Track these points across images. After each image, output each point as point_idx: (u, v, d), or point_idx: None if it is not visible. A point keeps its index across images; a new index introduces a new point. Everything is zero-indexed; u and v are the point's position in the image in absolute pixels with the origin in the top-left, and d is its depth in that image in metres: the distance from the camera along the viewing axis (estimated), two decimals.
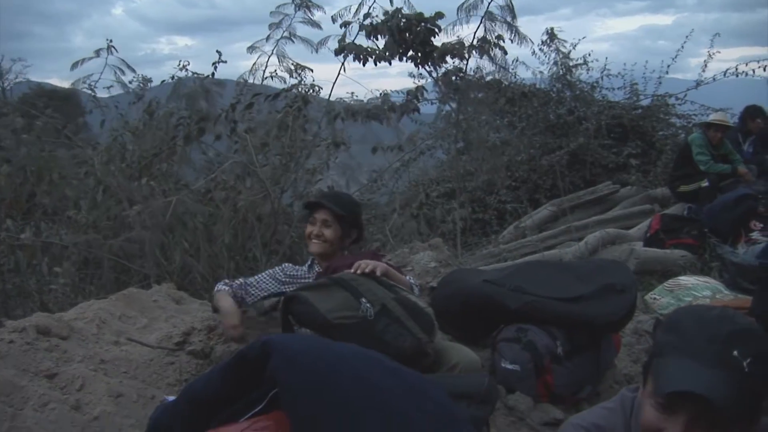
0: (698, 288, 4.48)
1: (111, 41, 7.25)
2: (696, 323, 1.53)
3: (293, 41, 7.87)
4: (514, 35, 7.73)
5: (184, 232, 5.38)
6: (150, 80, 8.21)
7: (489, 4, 7.41)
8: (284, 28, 7.78)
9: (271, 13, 7.83)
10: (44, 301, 5.16)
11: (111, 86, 7.81)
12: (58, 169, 6.04)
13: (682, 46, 11.94)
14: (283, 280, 3.51)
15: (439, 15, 8.01)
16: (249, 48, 7.96)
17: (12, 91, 8.85)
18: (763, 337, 1.54)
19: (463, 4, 7.59)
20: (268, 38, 7.83)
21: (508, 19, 7.60)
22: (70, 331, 3.26)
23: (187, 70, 7.68)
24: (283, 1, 7.75)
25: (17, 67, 8.11)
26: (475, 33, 7.64)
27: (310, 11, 7.78)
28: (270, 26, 7.83)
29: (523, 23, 7.80)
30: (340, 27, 7.76)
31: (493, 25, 7.58)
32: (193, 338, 3.46)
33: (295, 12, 7.66)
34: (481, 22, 7.54)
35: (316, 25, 7.89)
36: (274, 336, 1.50)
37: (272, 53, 7.79)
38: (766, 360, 1.49)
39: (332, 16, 7.93)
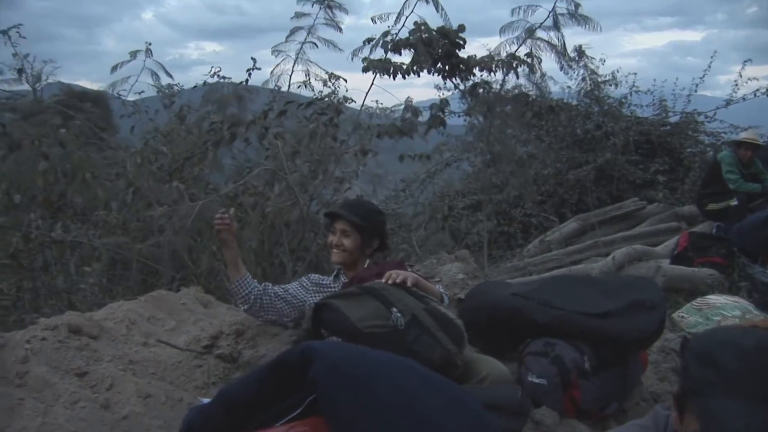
0: (727, 307, 4.43)
1: (150, 44, 7.34)
2: (736, 357, 1.48)
3: (317, 46, 7.89)
4: (560, 57, 7.72)
5: (212, 235, 5.42)
6: (181, 86, 8.31)
7: (539, 26, 7.42)
8: (306, 30, 7.77)
9: (296, 13, 7.81)
10: (72, 300, 5.22)
11: (142, 92, 7.90)
12: (91, 169, 6.10)
13: (710, 66, 11.87)
14: (311, 289, 3.54)
15: (461, 28, 8.02)
16: (273, 50, 7.94)
17: (42, 92, 8.96)
18: None
19: (511, 24, 7.60)
20: (287, 39, 7.80)
21: (554, 37, 7.60)
22: (101, 330, 3.30)
23: (218, 76, 7.75)
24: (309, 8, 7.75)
25: (48, 69, 8.24)
26: (515, 52, 7.64)
27: (332, 11, 7.75)
28: (291, 30, 7.82)
29: (562, 40, 7.79)
30: (363, 43, 7.77)
31: (538, 44, 7.59)
32: (221, 342, 3.48)
33: (318, 12, 7.63)
34: (522, 42, 7.54)
35: (337, 26, 7.87)
36: (314, 342, 1.51)
37: (297, 58, 7.80)
38: None
39: (372, 18, 7.94)
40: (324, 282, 3.60)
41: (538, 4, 7.52)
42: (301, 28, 7.70)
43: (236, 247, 3.53)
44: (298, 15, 7.73)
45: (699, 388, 1.50)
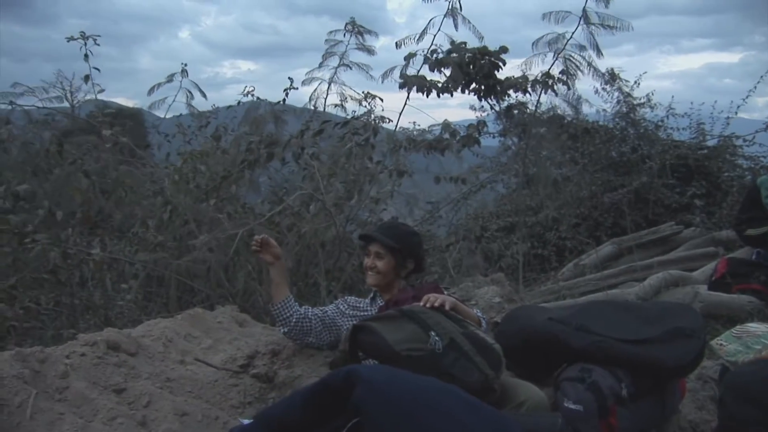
0: None
1: (185, 65, 7.47)
2: None
3: (350, 68, 7.99)
4: (594, 74, 7.71)
5: (249, 255, 5.46)
6: (216, 106, 8.44)
7: (567, 42, 7.41)
8: (339, 56, 7.90)
9: (326, 40, 7.95)
10: (109, 316, 5.28)
11: (180, 114, 8.04)
12: (129, 186, 6.20)
13: (755, 87, 11.69)
14: (348, 313, 3.55)
15: (504, 49, 8.03)
16: (305, 81, 8.09)
17: (80, 109, 9.15)
18: None
19: (539, 39, 7.61)
20: (321, 65, 7.93)
21: (587, 57, 7.60)
22: (138, 347, 3.34)
23: (252, 95, 7.85)
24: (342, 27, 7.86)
25: (87, 86, 8.41)
26: (549, 69, 7.65)
27: (362, 37, 7.86)
28: (323, 56, 7.96)
29: (594, 59, 7.79)
30: (405, 60, 7.83)
31: (571, 61, 7.59)
32: (257, 361, 3.50)
33: (349, 38, 7.76)
34: (555, 59, 7.54)
35: (369, 51, 7.96)
36: (358, 366, 1.52)
37: (330, 81, 7.91)
38: None
39: (396, 42, 8.02)
40: (360, 305, 3.61)
41: (568, 11, 7.54)
42: (333, 53, 7.81)
43: (282, 268, 3.57)
44: (329, 42, 7.85)
45: (743, 428, 1.49)
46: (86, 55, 6.80)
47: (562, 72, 7.80)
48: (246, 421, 2.27)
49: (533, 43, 7.69)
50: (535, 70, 7.97)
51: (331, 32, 7.98)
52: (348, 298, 3.69)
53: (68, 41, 6.68)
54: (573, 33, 7.42)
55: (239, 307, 4.63)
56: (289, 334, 3.47)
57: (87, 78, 6.91)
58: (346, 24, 7.91)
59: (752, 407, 1.48)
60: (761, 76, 11.95)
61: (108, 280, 5.62)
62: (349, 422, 1.46)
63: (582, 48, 7.52)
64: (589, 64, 7.58)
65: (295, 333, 3.45)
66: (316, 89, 8.09)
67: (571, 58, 7.53)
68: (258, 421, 1.71)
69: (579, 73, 7.64)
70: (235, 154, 6.70)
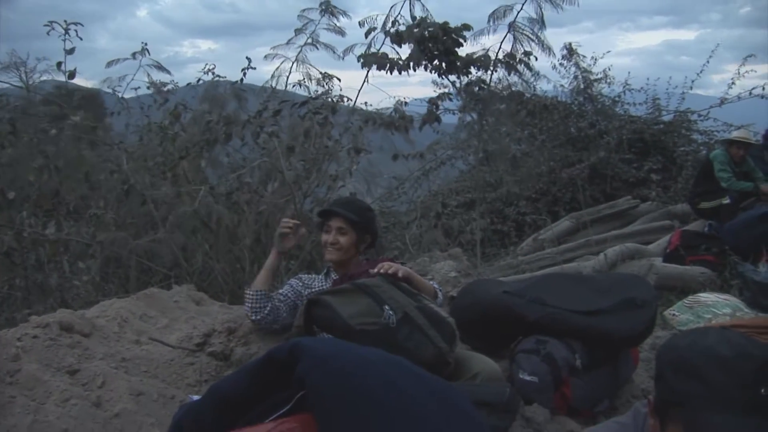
0: (718, 305, 4.45)
1: (146, 44, 7.34)
2: (719, 369, 1.48)
3: (317, 48, 7.91)
4: (541, 47, 7.72)
5: (206, 233, 5.42)
6: (176, 83, 8.30)
7: (518, 13, 7.42)
8: (308, 34, 7.82)
9: (298, 16, 7.86)
10: (65, 298, 5.21)
11: (138, 87, 7.89)
12: (85, 167, 6.09)
13: (708, 62, 11.89)
14: (304, 293, 3.52)
15: (466, 27, 8.01)
16: (267, 55, 7.99)
17: (36, 90, 8.96)
18: None
19: (494, 12, 7.61)
20: (288, 42, 7.85)
21: (536, 30, 7.60)
22: (93, 328, 3.30)
23: (213, 73, 7.74)
24: (307, 5, 7.78)
25: (42, 66, 8.20)
26: (501, 44, 7.66)
27: (335, 17, 7.81)
28: (295, 31, 7.86)
29: (547, 36, 7.79)
30: (365, 36, 7.79)
31: (520, 35, 7.59)
32: (213, 340, 3.48)
33: (321, 18, 7.69)
34: (507, 32, 7.54)
35: (340, 32, 7.91)
36: (303, 339, 1.52)
37: (295, 59, 7.83)
38: None
39: (359, 22, 7.97)
40: (315, 282, 3.58)
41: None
42: (302, 31, 7.74)
43: (281, 259, 3.61)
44: (302, 19, 7.77)
45: (684, 401, 1.50)
46: (71, 50, 6.58)
47: (526, 53, 7.80)
48: (196, 398, 2.27)
49: (489, 16, 7.69)
50: (487, 44, 7.98)
51: (304, 10, 7.91)
52: (302, 276, 3.67)
53: (48, 32, 6.45)
54: (522, 5, 7.43)
55: (196, 286, 4.60)
56: (260, 322, 3.44)
57: (59, 64, 6.69)
58: (321, 3, 7.84)
59: (693, 380, 1.50)
60: (712, 50, 12.18)
61: (65, 262, 5.54)
62: (295, 395, 1.46)
63: (533, 22, 7.53)
64: (539, 39, 7.59)
65: (265, 323, 3.43)
66: (279, 67, 8.00)
67: (522, 31, 7.54)
68: (206, 396, 1.70)
69: (532, 47, 7.64)
70: (193, 132, 6.61)
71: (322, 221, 3.62)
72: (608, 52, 12.03)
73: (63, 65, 6.55)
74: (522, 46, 7.60)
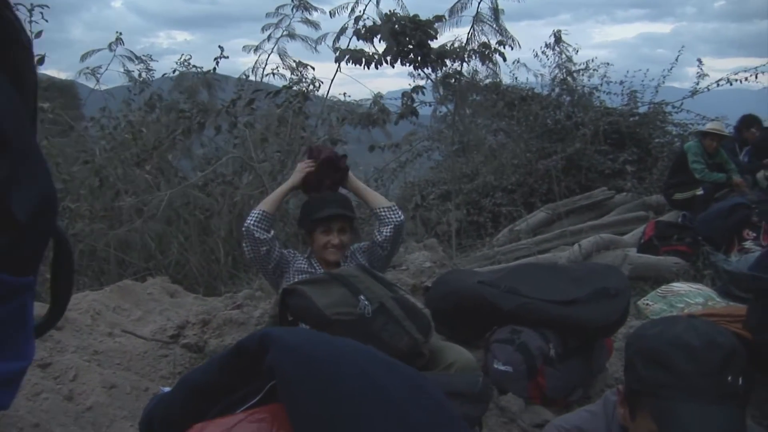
0: (691, 294, 4.49)
1: (120, 33, 7.28)
2: (687, 359, 1.50)
3: (294, 39, 7.93)
4: (506, 38, 7.74)
5: (180, 225, 5.39)
6: (153, 70, 8.25)
7: (478, 5, 7.44)
8: (283, 28, 7.83)
9: (267, 14, 7.90)
10: (38, 291, 5.14)
11: (117, 75, 7.85)
12: (56, 158, 6.02)
13: (677, 59, 12.05)
14: (288, 259, 3.46)
15: (438, 18, 8.01)
16: (247, 47, 8.03)
17: None
18: (738, 346, 1.54)
19: (453, 6, 7.63)
20: (269, 38, 7.89)
21: (499, 21, 7.62)
22: (65, 321, 3.27)
23: (189, 64, 7.71)
24: (283, 1, 7.81)
25: None
26: (468, 36, 7.67)
27: (308, 11, 7.84)
28: (267, 26, 7.89)
29: (522, 27, 7.91)
30: (336, 36, 7.80)
31: (483, 27, 7.61)
32: (187, 332, 3.46)
33: (294, 13, 7.72)
34: (472, 24, 7.56)
35: (314, 24, 7.94)
36: (272, 329, 1.51)
37: (272, 52, 7.83)
38: (747, 369, 1.51)
39: (330, 11, 7.96)
40: (297, 261, 3.49)
41: None
42: (276, 25, 7.75)
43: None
44: (276, 15, 7.78)
45: (653, 390, 1.52)
46: (38, 33, 6.44)
47: (500, 42, 7.81)
48: (167, 389, 2.25)
49: (449, 10, 7.71)
50: (450, 37, 8.02)
51: (278, 7, 7.93)
52: (286, 251, 3.59)
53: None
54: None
55: (171, 278, 4.57)
56: (260, 244, 3.38)
57: None
58: None
59: (661, 369, 1.51)
60: (682, 46, 12.33)
61: None
62: (266, 384, 1.45)
63: (494, 12, 7.55)
64: (501, 30, 7.61)
65: (263, 251, 3.39)
66: (257, 59, 8.02)
67: (487, 22, 7.56)
68: (177, 387, 1.69)
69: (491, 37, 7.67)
70: (166, 121, 6.57)
71: (317, 222, 3.48)
72: (581, 45, 12.05)
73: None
74: (487, 37, 7.62)
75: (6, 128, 0.94)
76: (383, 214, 3.55)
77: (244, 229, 3.43)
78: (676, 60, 11.98)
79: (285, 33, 7.93)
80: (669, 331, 1.57)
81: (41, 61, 6.61)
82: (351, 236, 3.54)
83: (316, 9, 7.97)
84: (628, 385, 1.63)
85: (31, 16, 6.20)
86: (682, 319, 1.65)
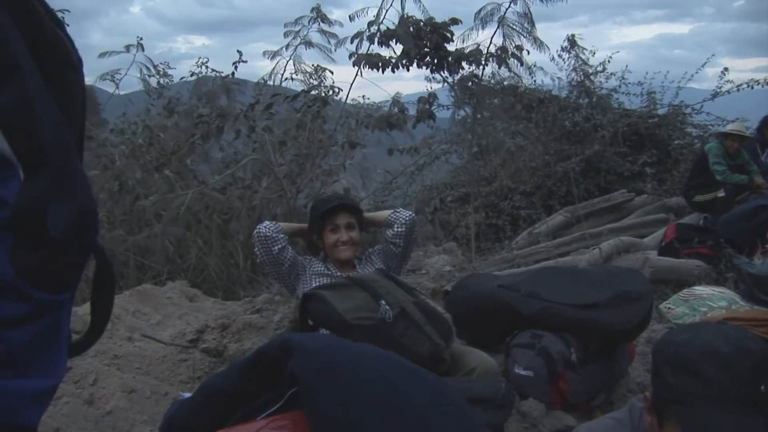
0: (714, 298, 4.43)
1: (141, 38, 7.31)
2: (717, 367, 1.46)
3: (312, 46, 8.00)
4: (533, 42, 7.73)
5: (200, 229, 5.40)
6: (170, 76, 8.31)
7: (506, 11, 7.42)
8: (301, 37, 7.91)
9: (285, 24, 7.98)
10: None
11: (135, 80, 7.92)
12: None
13: (708, 60, 12.06)
14: (304, 264, 3.44)
15: (454, 21, 7.99)
16: (267, 52, 8.09)
17: None
18: None
19: (479, 11, 7.61)
20: (287, 47, 7.97)
21: (526, 26, 7.61)
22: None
23: (207, 67, 7.75)
24: (301, 5, 7.90)
25: None
26: (491, 40, 7.65)
27: (326, 22, 7.91)
28: (285, 34, 7.97)
29: (539, 30, 7.81)
30: (351, 42, 7.83)
31: (510, 31, 7.60)
32: (206, 336, 3.46)
33: (311, 24, 7.80)
34: (497, 28, 7.54)
35: (332, 35, 8.02)
36: (293, 335, 1.49)
37: (290, 59, 7.90)
38: None
39: (349, 16, 7.99)
40: (314, 264, 3.49)
41: None
42: (296, 33, 7.83)
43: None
44: (292, 24, 7.87)
45: (682, 399, 1.48)
46: None
47: (518, 47, 7.80)
48: (187, 395, 2.24)
49: (476, 15, 7.71)
50: (477, 41, 8.00)
51: (298, 18, 8.04)
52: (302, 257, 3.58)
53: None
54: (510, 3, 7.45)
55: (190, 282, 4.57)
56: (272, 243, 3.35)
57: None
58: (312, 8, 7.95)
59: (690, 377, 1.47)
60: (711, 55, 12.28)
61: None
62: (287, 391, 1.44)
63: (522, 17, 7.55)
64: (530, 34, 7.60)
65: (276, 250, 3.35)
66: (275, 65, 8.09)
67: (512, 27, 7.55)
68: (197, 393, 1.68)
69: (523, 42, 7.66)
70: (185, 126, 6.60)
71: (323, 222, 3.50)
72: (598, 47, 12.05)
73: None
74: (512, 41, 7.61)
75: (47, 145, 0.94)
76: (392, 217, 3.57)
77: (254, 233, 3.40)
78: (708, 60, 11.96)
79: (302, 41, 8.01)
80: (698, 338, 1.53)
81: None
82: (360, 233, 3.53)
83: (332, 23, 8.07)
84: (655, 392, 1.59)
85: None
86: (712, 326, 1.61)
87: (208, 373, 3.26)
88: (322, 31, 8.01)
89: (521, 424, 2.98)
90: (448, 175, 11.56)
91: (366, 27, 7.65)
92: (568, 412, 3.13)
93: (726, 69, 11.11)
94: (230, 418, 1.55)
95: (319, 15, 7.91)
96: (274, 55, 8.11)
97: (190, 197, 5.41)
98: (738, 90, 10.46)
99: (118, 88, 7.95)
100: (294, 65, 8.02)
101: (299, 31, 7.98)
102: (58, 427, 2.47)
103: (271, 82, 7.92)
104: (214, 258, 5.47)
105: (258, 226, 3.42)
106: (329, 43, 8.11)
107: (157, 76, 8.12)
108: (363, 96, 8.92)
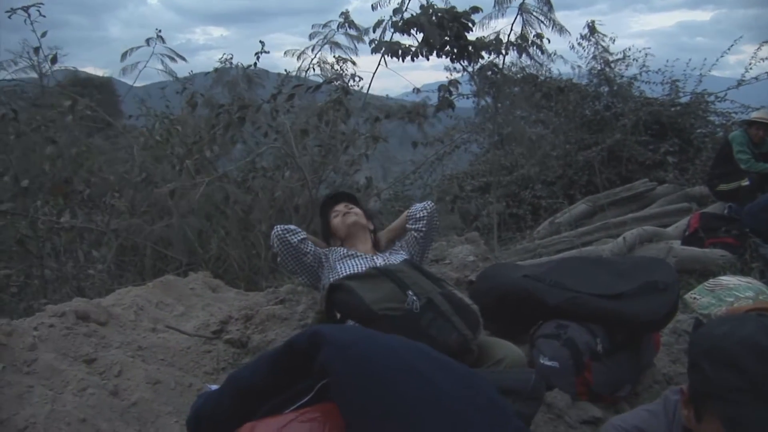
0: (740, 288, 4.37)
1: (159, 31, 7.32)
2: (757, 360, 1.42)
3: (339, 47, 8.12)
4: (552, 27, 7.67)
5: (222, 220, 5.40)
6: (191, 72, 8.36)
7: None
8: (327, 39, 8.03)
9: (313, 26, 8.09)
10: (81, 286, 5.21)
11: (154, 72, 7.95)
12: (97, 155, 6.08)
13: (729, 48, 11.85)
14: (327, 253, 3.41)
15: (475, 9, 7.95)
16: (289, 51, 8.19)
17: (49, 79, 8.96)
18: None
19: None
20: (313, 49, 8.09)
21: (545, 10, 7.57)
22: (109, 317, 3.29)
23: (230, 63, 7.80)
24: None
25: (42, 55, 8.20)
26: (512, 27, 7.61)
27: (354, 28, 8.02)
28: (311, 36, 8.08)
29: (558, 18, 7.76)
30: (373, 30, 7.85)
31: (530, 17, 7.55)
32: (230, 327, 3.46)
33: (339, 29, 7.93)
34: (517, 15, 7.50)
35: (360, 40, 8.12)
36: (322, 326, 1.48)
37: (314, 57, 8.03)
38: None
39: (372, 5, 7.97)
40: (333, 252, 3.46)
41: None
42: (324, 37, 7.96)
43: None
44: (320, 26, 7.99)
45: (722, 393, 1.43)
46: (44, 33, 6.44)
47: (538, 35, 7.75)
48: (214, 387, 2.24)
49: (495, 1, 7.68)
50: (496, 28, 8.01)
51: (327, 23, 8.14)
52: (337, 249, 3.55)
53: (9, 16, 6.26)
54: None
55: (212, 273, 4.58)
56: (289, 242, 3.31)
57: (37, 50, 6.60)
58: (341, 13, 8.08)
59: (731, 371, 1.43)
60: (737, 38, 12.07)
61: (80, 251, 5.53)
62: (317, 383, 1.43)
63: (542, 2, 7.51)
64: (550, 19, 7.56)
65: (294, 247, 3.31)
66: (301, 64, 8.19)
67: (531, 13, 7.51)
68: (225, 385, 1.68)
69: (543, 29, 7.62)
70: (206, 117, 6.61)
71: (327, 216, 3.62)
72: (618, 35, 11.91)
73: (39, 51, 6.50)
74: (533, 28, 7.57)
75: None
76: (410, 213, 3.59)
77: (272, 234, 3.36)
78: (729, 48, 11.78)
79: (327, 41, 8.12)
80: (738, 331, 1.49)
81: (54, 59, 6.65)
82: (363, 214, 3.57)
83: (359, 29, 8.16)
84: (693, 386, 1.55)
85: (28, 17, 6.20)
86: (752, 318, 1.56)
87: (233, 364, 3.26)
88: (348, 35, 8.11)
89: (547, 415, 2.96)
90: (467, 165, 11.52)
91: (391, 14, 7.64)
92: (593, 402, 3.11)
93: (760, 47, 10.89)
94: (258, 411, 1.54)
95: (347, 21, 8.00)
96: (299, 54, 8.23)
97: (208, 187, 5.40)
98: (757, 79, 10.30)
99: (136, 80, 7.99)
100: (319, 60, 8.13)
101: (326, 34, 8.10)
102: (85, 418, 2.47)
103: (285, 69, 8.01)
104: (236, 248, 5.48)
105: (275, 227, 3.41)
106: (354, 45, 8.24)
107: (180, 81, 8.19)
108: (387, 95, 9.02)
